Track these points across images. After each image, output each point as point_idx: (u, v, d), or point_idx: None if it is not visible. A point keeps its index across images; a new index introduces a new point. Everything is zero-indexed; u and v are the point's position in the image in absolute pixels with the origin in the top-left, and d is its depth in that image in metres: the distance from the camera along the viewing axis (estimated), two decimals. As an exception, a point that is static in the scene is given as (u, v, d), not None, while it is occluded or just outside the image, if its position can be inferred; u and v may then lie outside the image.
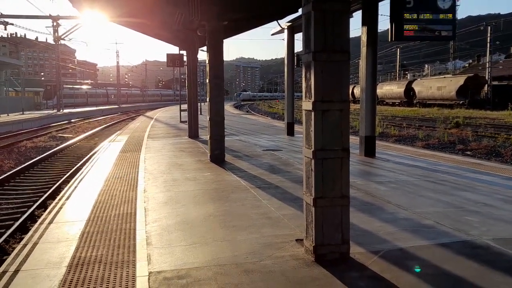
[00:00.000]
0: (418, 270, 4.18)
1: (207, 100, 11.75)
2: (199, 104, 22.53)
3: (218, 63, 11.40)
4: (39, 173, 13.49)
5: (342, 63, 4.40)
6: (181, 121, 25.64)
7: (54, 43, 49.79)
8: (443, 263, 4.35)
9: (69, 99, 63.62)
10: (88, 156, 15.88)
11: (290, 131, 17.99)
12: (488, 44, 55.07)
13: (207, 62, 11.51)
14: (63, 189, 9.15)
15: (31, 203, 9.63)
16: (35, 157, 15.98)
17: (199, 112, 19.50)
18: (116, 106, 68.86)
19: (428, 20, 10.24)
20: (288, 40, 17.45)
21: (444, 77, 57.33)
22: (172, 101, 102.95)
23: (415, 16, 10.18)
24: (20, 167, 13.55)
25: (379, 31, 11.74)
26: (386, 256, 4.55)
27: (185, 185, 8.35)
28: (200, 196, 7.40)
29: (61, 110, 48.31)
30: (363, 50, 11.44)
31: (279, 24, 16.94)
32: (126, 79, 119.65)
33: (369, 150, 11.72)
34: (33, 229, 5.79)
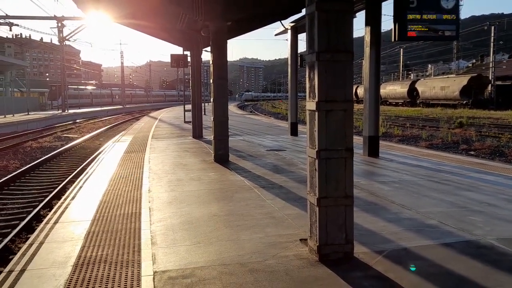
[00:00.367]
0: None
1: (211, 100, 11.78)
2: (203, 104, 22.59)
3: (222, 63, 11.43)
4: (44, 173, 13.55)
5: (345, 63, 4.41)
6: (185, 122, 25.69)
7: (58, 44, 50.03)
8: (447, 263, 4.36)
9: (74, 99, 63.86)
10: (93, 156, 15.94)
11: (294, 131, 18.01)
12: (492, 44, 54.85)
13: (211, 62, 11.54)
14: (68, 189, 9.20)
15: (37, 203, 9.69)
16: (41, 157, 16.05)
17: (203, 113, 19.53)
18: (121, 107, 69.05)
19: (431, 20, 10.23)
20: (291, 40, 17.47)
21: (448, 77, 57.16)
22: (176, 101, 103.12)
23: (418, 16, 10.17)
24: (26, 167, 13.62)
25: (382, 31, 11.75)
26: (390, 256, 4.56)
27: (189, 185, 8.39)
28: (204, 196, 7.43)
29: (66, 111, 48.49)
30: (367, 50, 11.45)
31: (282, 25, 16.97)
32: (131, 80, 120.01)
33: (373, 150, 11.72)
34: (38, 228, 5.83)
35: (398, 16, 10.21)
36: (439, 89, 53.39)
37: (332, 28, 4.34)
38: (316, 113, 4.39)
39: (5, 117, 36.02)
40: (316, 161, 4.42)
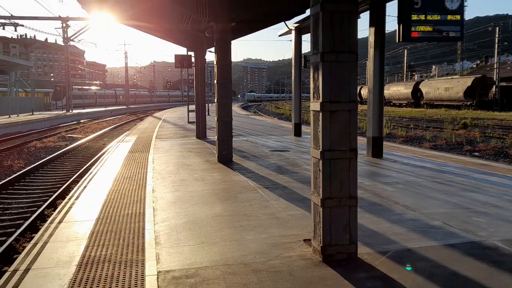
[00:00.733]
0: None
1: (215, 100, 11.80)
2: (207, 105, 22.60)
3: (226, 64, 11.44)
4: (48, 173, 13.60)
5: (350, 63, 4.42)
6: (189, 122, 25.73)
7: (63, 44, 50.16)
8: (451, 264, 4.36)
9: (78, 99, 64.04)
10: (97, 156, 15.99)
11: (298, 132, 18.00)
12: (496, 45, 54.69)
13: (215, 63, 11.55)
14: (72, 188, 9.23)
15: (41, 203, 9.73)
16: (45, 157, 16.11)
17: (206, 113, 19.54)
18: (125, 107, 69.19)
19: (436, 21, 10.21)
20: (295, 41, 17.47)
21: (452, 78, 57.01)
22: (180, 101, 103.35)
23: (422, 17, 10.15)
24: (30, 167, 13.66)
25: (386, 32, 11.73)
26: (394, 257, 4.55)
27: (193, 185, 8.40)
28: (208, 196, 7.44)
29: (70, 111, 48.64)
30: (371, 51, 11.43)
31: (286, 25, 16.98)
32: (135, 80, 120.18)
33: (377, 151, 11.71)
34: (43, 228, 5.85)
35: (403, 17, 10.19)
36: (443, 90, 53.27)
37: (337, 29, 4.35)
38: (320, 113, 4.39)
39: (9, 117, 36.16)
40: (320, 161, 4.42)
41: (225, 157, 11.41)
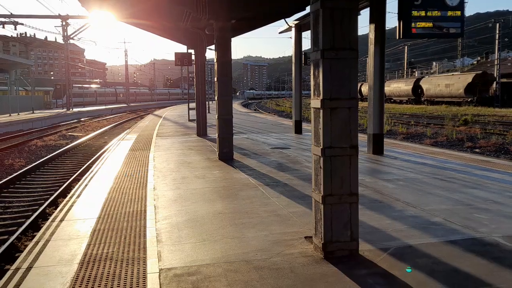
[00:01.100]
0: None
1: (215, 98, 11.80)
2: (207, 102, 22.61)
3: (226, 61, 11.44)
4: (49, 171, 13.62)
5: (350, 60, 4.42)
6: (189, 120, 25.73)
7: (63, 42, 50.13)
8: (452, 260, 4.37)
9: (78, 98, 64.04)
10: (98, 154, 16.00)
11: (298, 129, 18.00)
12: (497, 41, 54.60)
13: (215, 60, 11.55)
14: (73, 187, 9.24)
15: (42, 201, 9.74)
16: (46, 156, 16.12)
17: (207, 111, 19.54)
18: (125, 105, 69.18)
19: (436, 17, 10.20)
20: (295, 38, 17.46)
21: (452, 75, 56.98)
22: (180, 99, 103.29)
23: (423, 13, 10.14)
24: (31, 165, 13.67)
25: (387, 28, 11.72)
26: (395, 253, 4.56)
27: (194, 183, 8.41)
28: (209, 194, 7.45)
29: (71, 109, 48.64)
30: (371, 47, 11.43)
31: (286, 23, 16.95)
32: (135, 78, 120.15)
33: (377, 147, 11.71)
34: (44, 226, 5.86)
35: (403, 13, 10.18)
36: (443, 87, 53.23)
37: (337, 26, 4.35)
38: (321, 110, 4.40)
39: (10, 115, 36.17)
40: (321, 158, 4.43)
41: (226, 154, 11.41)
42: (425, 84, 57.84)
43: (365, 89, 66.03)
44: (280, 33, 19.54)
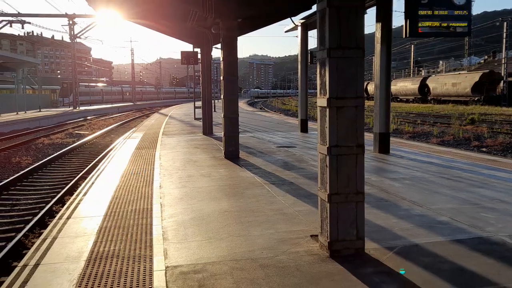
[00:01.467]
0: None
1: (221, 97, 11.81)
2: (213, 101, 22.63)
3: (232, 60, 11.44)
4: (56, 169, 13.69)
5: (356, 59, 4.41)
6: (195, 118, 25.77)
7: (70, 41, 50.35)
8: (458, 259, 4.36)
9: (85, 96, 64.28)
10: (104, 152, 16.07)
11: (304, 128, 17.99)
12: (504, 40, 54.26)
13: (221, 59, 11.56)
14: (80, 185, 9.30)
15: (49, 199, 9.79)
16: (53, 154, 16.20)
17: (213, 109, 19.57)
18: (131, 104, 69.39)
19: (443, 16, 10.15)
20: (301, 37, 17.44)
21: (459, 74, 56.68)
22: (186, 98, 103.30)
23: (430, 12, 10.10)
24: (38, 163, 13.76)
25: (393, 27, 11.69)
26: (401, 252, 4.56)
27: (200, 181, 8.43)
28: (215, 192, 7.47)
29: (77, 108, 48.85)
30: (377, 46, 11.39)
31: (292, 21, 16.92)
32: (141, 77, 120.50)
33: (383, 146, 11.68)
34: (51, 224, 5.90)
35: (409, 12, 10.14)
36: (450, 86, 52.99)
37: (343, 25, 4.34)
38: (327, 109, 4.40)
39: (17, 114, 36.38)
40: (327, 157, 4.43)
41: (232, 153, 11.43)
42: (431, 83, 57.61)
43: (371, 88, 65.80)
44: (286, 32, 19.53)
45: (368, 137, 13.05)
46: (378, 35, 11.37)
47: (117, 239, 5.14)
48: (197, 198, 7.08)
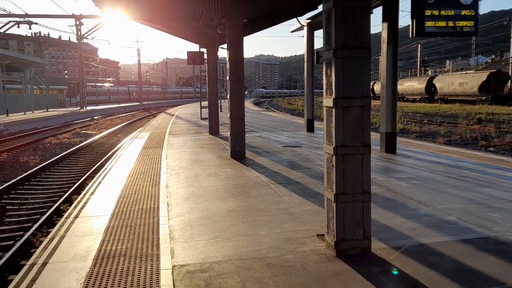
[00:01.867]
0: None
1: (227, 97, 11.84)
2: (219, 101, 22.67)
3: (238, 60, 11.46)
4: (64, 169, 13.77)
5: (363, 59, 4.41)
6: (201, 118, 25.82)
7: (77, 41, 50.63)
8: (465, 259, 4.35)
9: (91, 96, 64.60)
10: (111, 152, 16.14)
11: (310, 128, 17.98)
12: (511, 39, 53.92)
13: (227, 59, 11.59)
14: (87, 184, 9.35)
15: (57, 198, 9.86)
16: (60, 153, 16.30)
17: (219, 109, 19.60)
18: (138, 103, 69.62)
19: (450, 16, 10.12)
20: (307, 37, 17.43)
21: (466, 73, 56.38)
22: (193, 98, 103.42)
23: (436, 12, 10.06)
24: (46, 163, 13.84)
25: (399, 27, 11.66)
26: (408, 252, 4.56)
27: (206, 180, 8.45)
28: (221, 192, 7.49)
29: (84, 108, 49.09)
30: (384, 46, 11.37)
31: (299, 21, 16.92)
32: (147, 77, 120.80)
33: (390, 146, 11.66)
34: (59, 223, 5.94)
35: (416, 12, 10.11)
36: (457, 85, 52.73)
37: (349, 25, 4.35)
38: (333, 109, 4.40)
39: (25, 114, 36.61)
40: (334, 157, 4.43)
41: (238, 153, 11.45)
42: (438, 83, 57.34)
43: (377, 87, 65.63)
44: (292, 32, 19.52)
45: (375, 136, 13.03)
46: (384, 35, 11.35)
47: (124, 238, 5.17)
48: (203, 197, 7.11)
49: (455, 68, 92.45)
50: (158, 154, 12.20)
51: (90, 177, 11.11)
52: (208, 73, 18.38)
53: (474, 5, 10.18)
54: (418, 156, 11.05)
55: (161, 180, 8.53)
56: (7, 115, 33.71)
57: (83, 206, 6.75)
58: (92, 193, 7.61)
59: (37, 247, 5.58)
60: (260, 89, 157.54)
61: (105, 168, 10.14)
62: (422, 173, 8.88)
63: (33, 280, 4.08)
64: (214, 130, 17.88)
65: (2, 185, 10.84)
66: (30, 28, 40.38)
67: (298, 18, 15.85)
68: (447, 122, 27.09)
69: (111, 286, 3.90)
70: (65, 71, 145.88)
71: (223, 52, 17.21)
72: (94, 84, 74.77)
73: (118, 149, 15.70)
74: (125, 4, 13.26)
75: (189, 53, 19.27)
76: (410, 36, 10.62)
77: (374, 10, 12.62)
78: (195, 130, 20.04)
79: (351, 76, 4.38)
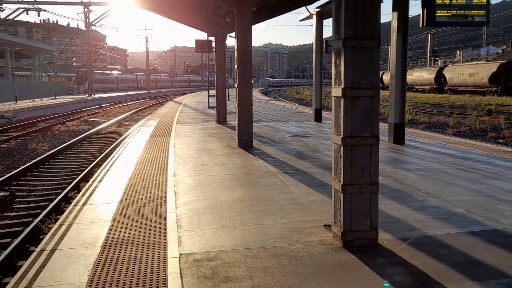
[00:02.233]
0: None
1: (235, 86, 11.80)
2: (227, 90, 22.63)
3: (246, 49, 11.41)
4: (72, 156, 13.85)
5: (372, 49, 4.37)
6: (209, 107, 25.82)
7: (85, 29, 50.66)
8: (473, 251, 4.33)
9: (100, 84, 64.77)
10: (119, 140, 16.20)
11: (318, 118, 17.92)
12: (524, 29, 53.22)
13: (235, 48, 11.53)
14: (95, 172, 9.40)
15: (65, 185, 9.92)
16: (68, 141, 16.39)
17: (227, 98, 19.58)
18: (146, 91, 69.71)
19: (461, 5, 9.98)
20: (316, 26, 17.30)
21: (477, 64, 55.82)
22: (200, 86, 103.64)
23: (447, 1, 9.93)
24: (54, 150, 13.93)
25: (410, 16, 11.53)
26: (415, 243, 4.54)
27: (214, 169, 8.47)
28: (228, 181, 7.50)
29: (92, 95, 49.23)
30: (393, 36, 11.26)
31: (308, 10, 16.80)
32: (155, 65, 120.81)
33: (398, 137, 11.60)
34: (67, 210, 5.99)
35: (427, 1, 9.98)
36: (467, 76, 52.24)
37: (359, 14, 4.30)
38: (342, 99, 4.37)
39: (33, 101, 36.79)
40: (342, 147, 4.41)
41: (245, 142, 11.44)
42: (448, 73, 56.84)
43: (386, 77, 65.19)
44: (301, 20, 19.38)
45: (383, 127, 12.96)
46: (394, 24, 11.24)
47: (132, 226, 5.20)
48: (211, 186, 7.12)
49: (465, 58, 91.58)
50: (165, 142, 12.23)
51: (98, 165, 11.17)
52: (216, 62, 18.33)
53: (486, -5, 10.03)
54: (427, 147, 10.99)
55: (168, 169, 8.56)
56: (16, 102, 33.90)
57: (91, 194, 6.79)
58: (100, 181, 7.65)
59: (46, 234, 5.62)
60: (267, 78, 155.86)
61: (113, 156, 10.18)
62: (430, 164, 8.83)
63: (42, 266, 4.12)
64: (221, 119, 17.88)
65: (12, 171, 10.93)
66: (38, 15, 40.47)
67: (307, 6, 15.74)
68: (456, 113, 26.88)
69: (119, 273, 3.93)
70: (74, 59, 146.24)
71: (231, 41, 17.20)
72: (102, 71, 74.93)
73: (126, 137, 15.75)
74: (134, -8, 13.21)
75: (197, 41, 19.22)
76: (421, 26, 10.48)
77: (384, -1, 12.49)
78: (202, 119, 20.05)
79: (360, 66, 4.34)
